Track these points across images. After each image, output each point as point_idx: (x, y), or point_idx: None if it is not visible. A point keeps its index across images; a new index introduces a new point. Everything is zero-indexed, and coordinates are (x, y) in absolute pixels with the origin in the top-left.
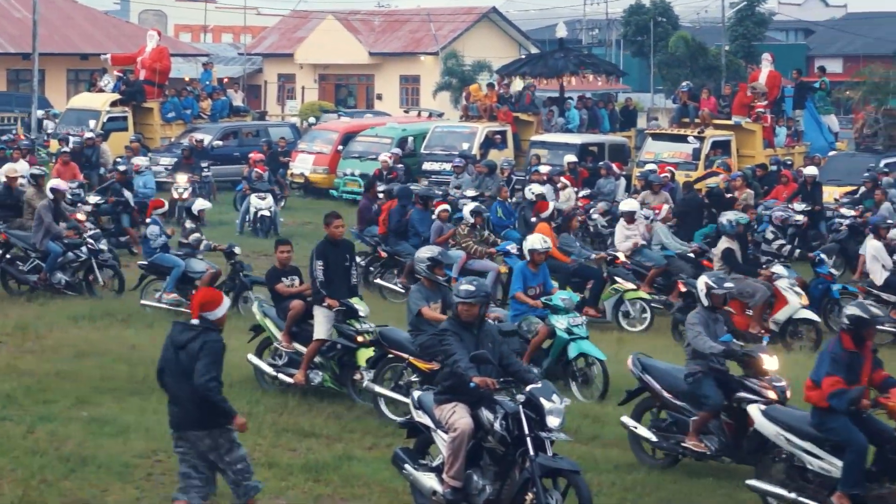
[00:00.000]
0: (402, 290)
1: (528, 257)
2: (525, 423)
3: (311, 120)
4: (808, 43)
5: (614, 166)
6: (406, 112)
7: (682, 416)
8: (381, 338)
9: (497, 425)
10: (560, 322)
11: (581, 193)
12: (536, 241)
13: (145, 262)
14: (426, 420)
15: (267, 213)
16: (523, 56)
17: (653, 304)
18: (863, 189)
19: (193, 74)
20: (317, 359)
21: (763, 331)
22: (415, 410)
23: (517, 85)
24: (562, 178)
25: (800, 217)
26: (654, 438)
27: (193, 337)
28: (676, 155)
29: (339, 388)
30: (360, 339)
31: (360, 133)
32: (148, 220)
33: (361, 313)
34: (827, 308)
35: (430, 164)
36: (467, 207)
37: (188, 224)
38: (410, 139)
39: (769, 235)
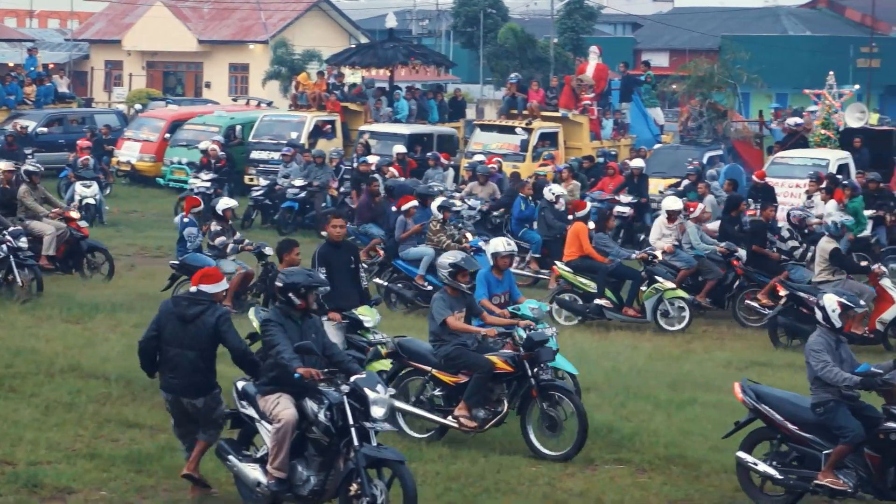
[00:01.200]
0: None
1: (490, 262)
2: (349, 414)
3: (138, 107)
4: (636, 36)
5: (442, 157)
6: (235, 100)
7: (811, 449)
8: (399, 349)
9: (321, 416)
10: None
11: None
12: (500, 243)
13: (176, 262)
14: (250, 411)
15: (92, 201)
16: (353, 46)
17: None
18: (686, 181)
19: (18, 60)
20: None
21: (867, 331)
22: (238, 401)
23: (351, 76)
24: (390, 168)
25: (626, 209)
26: (777, 475)
27: (203, 311)
28: (504, 146)
29: None
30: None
31: (187, 121)
32: (185, 220)
33: (368, 324)
34: None
35: (258, 153)
36: (435, 203)
37: (214, 226)
38: (239, 128)
39: (785, 234)
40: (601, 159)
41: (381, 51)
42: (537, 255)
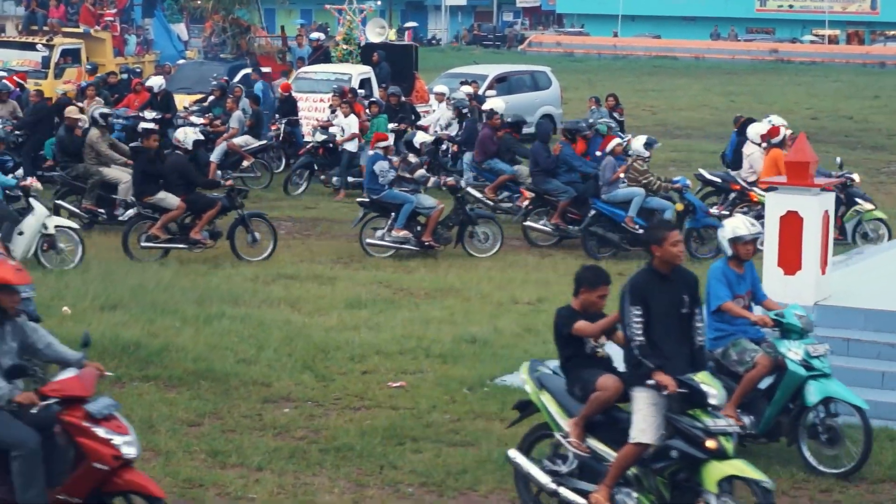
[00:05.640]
0: (554, 233)
1: (728, 251)
2: None
3: None
4: None
5: None
6: None
7: None
8: None
9: None
10: (793, 351)
11: None
12: (740, 224)
13: (366, 200)
14: None
15: None
16: None
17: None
18: (212, 97)
19: None
20: (631, 470)
21: None
22: None
23: None
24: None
25: (150, 125)
26: None
27: None
28: (26, 63)
29: None
30: (709, 444)
31: None
32: (371, 153)
33: (713, 400)
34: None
35: None
36: (638, 140)
37: (412, 159)
38: None
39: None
40: (125, 76)
41: None
42: None
